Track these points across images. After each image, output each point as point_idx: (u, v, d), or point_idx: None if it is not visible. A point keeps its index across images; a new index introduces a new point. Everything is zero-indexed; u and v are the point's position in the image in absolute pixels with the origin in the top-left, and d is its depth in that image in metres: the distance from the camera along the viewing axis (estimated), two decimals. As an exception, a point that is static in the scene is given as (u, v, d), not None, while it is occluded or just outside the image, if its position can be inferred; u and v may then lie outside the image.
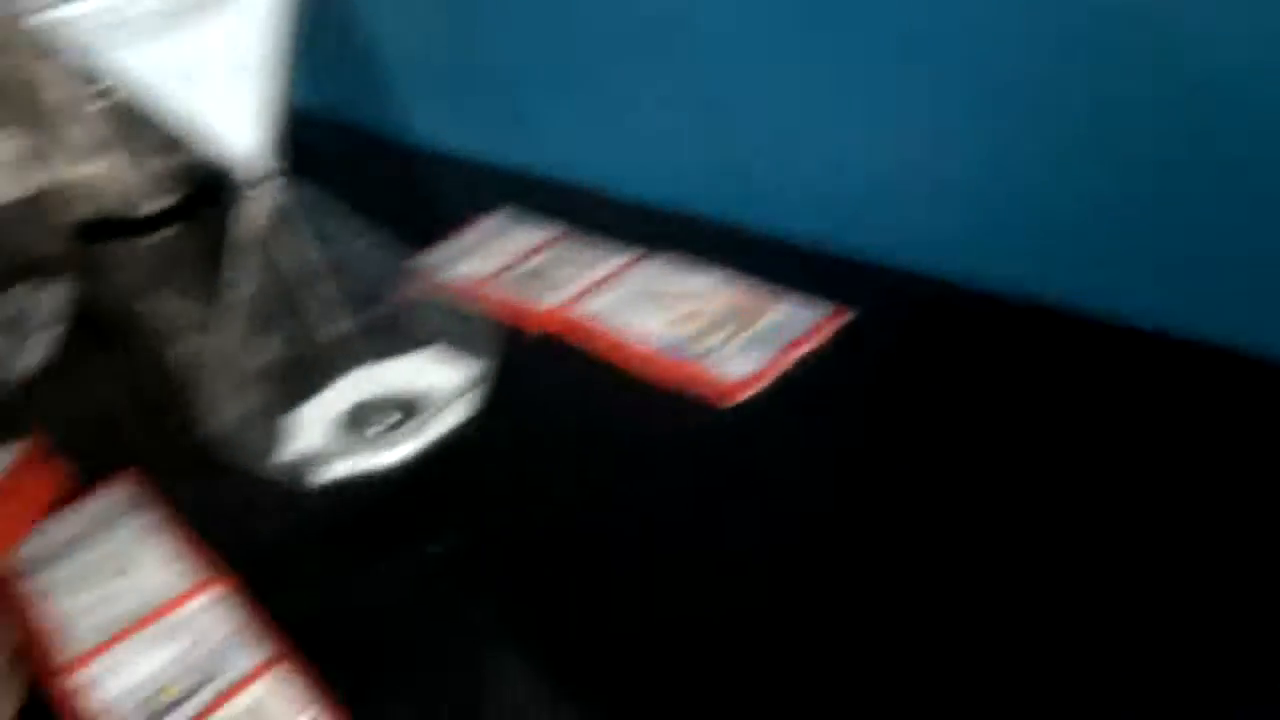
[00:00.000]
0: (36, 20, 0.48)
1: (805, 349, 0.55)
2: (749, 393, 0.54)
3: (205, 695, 0.45)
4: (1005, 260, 0.56)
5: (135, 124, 0.85)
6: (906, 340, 0.56)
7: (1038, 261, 0.55)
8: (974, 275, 0.57)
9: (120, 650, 0.49)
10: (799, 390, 0.54)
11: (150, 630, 0.49)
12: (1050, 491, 0.46)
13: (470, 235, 0.72)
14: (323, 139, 0.91)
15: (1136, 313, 0.52)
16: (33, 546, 0.56)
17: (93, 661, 0.49)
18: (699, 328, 0.58)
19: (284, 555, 0.54)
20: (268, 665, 0.46)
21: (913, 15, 0.55)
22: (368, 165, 0.89)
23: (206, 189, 0.88)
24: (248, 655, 0.47)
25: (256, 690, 0.45)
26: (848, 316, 0.57)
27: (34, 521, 0.58)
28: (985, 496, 0.46)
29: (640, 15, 0.67)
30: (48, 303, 0.74)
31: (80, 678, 0.48)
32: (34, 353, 0.72)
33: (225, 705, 0.45)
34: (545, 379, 0.60)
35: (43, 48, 0.78)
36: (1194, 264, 0.50)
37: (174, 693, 0.46)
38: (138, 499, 0.58)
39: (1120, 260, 0.53)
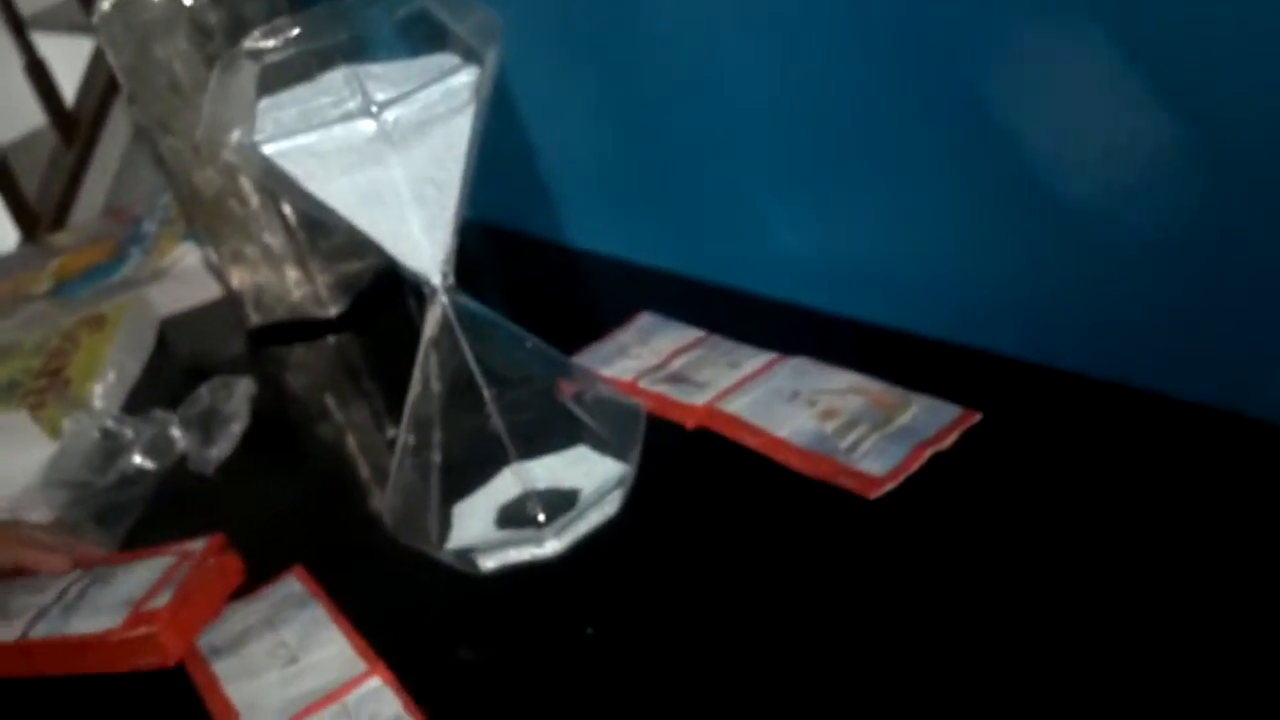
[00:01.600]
0: (235, 150, 0.54)
1: (938, 447, 0.58)
2: (888, 487, 0.57)
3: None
4: (1131, 353, 0.58)
5: (321, 233, 0.92)
6: (1035, 438, 0.58)
7: (1161, 353, 0.57)
8: (1099, 367, 0.59)
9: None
10: (932, 487, 0.57)
11: (326, 713, 0.53)
12: (1182, 587, 0.48)
13: (622, 336, 0.76)
14: (486, 244, 0.97)
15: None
16: (209, 636, 0.61)
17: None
18: (839, 424, 0.62)
19: (445, 640, 0.58)
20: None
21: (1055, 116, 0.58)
22: (527, 268, 0.95)
23: (381, 295, 0.95)
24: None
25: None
26: (977, 418, 0.60)
27: (216, 611, 0.63)
28: (1121, 591, 0.48)
29: (778, 137, 0.72)
30: (235, 399, 0.81)
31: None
32: (223, 447, 0.78)
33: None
34: (696, 473, 0.64)
35: (246, 171, 0.86)
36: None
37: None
38: (304, 595, 0.63)
39: (1249, 357, 0.55)
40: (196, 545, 0.66)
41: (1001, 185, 0.61)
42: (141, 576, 0.64)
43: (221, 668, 0.59)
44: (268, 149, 0.53)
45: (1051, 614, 0.48)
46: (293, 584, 0.64)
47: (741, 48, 0.71)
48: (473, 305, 0.60)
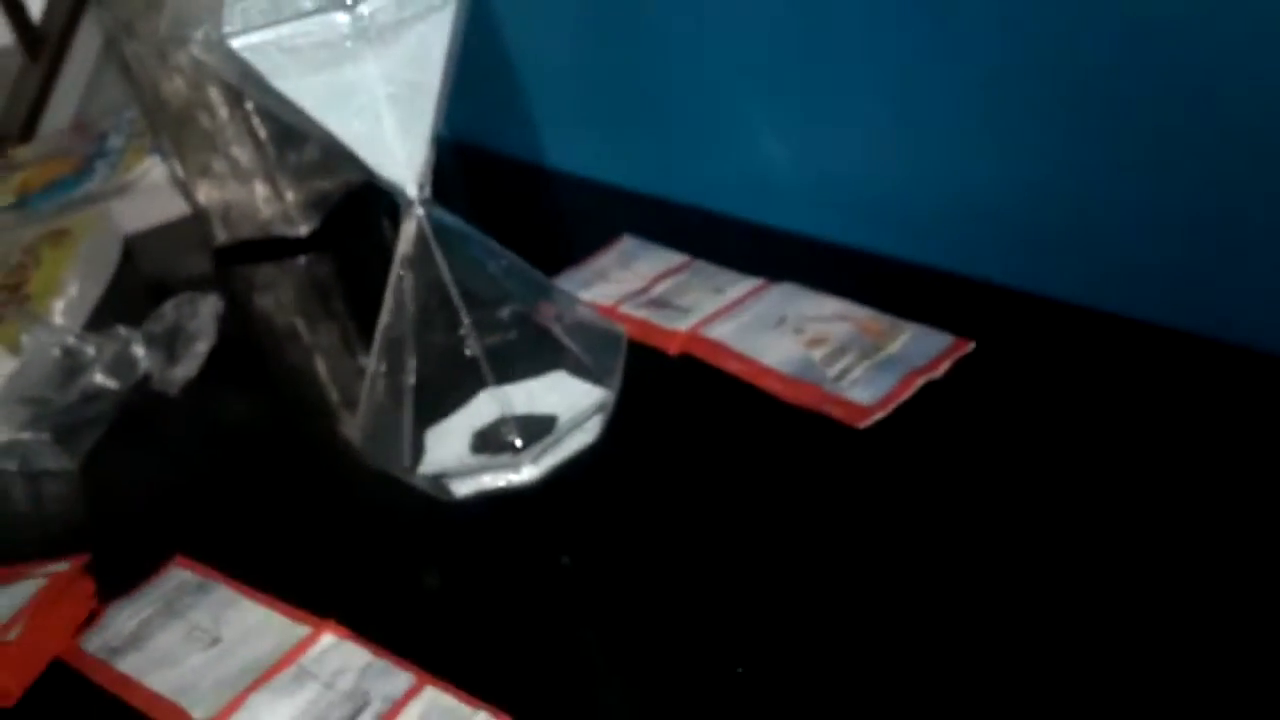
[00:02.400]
0: (202, 46, 0.51)
1: (929, 376, 0.56)
2: (877, 416, 0.55)
3: (368, 718, 0.47)
4: (1131, 284, 0.56)
5: (291, 147, 0.88)
6: (1028, 368, 0.56)
7: (1165, 286, 0.55)
8: (1094, 297, 0.57)
9: (255, 702, 0.49)
10: (923, 416, 0.55)
11: (277, 681, 0.50)
12: (1172, 516, 0.46)
13: (603, 259, 0.74)
14: (461, 163, 0.94)
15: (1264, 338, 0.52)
16: (97, 640, 0.55)
17: (232, 716, 0.49)
18: (826, 352, 0.60)
19: (416, 571, 0.56)
20: (419, 684, 0.48)
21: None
22: (504, 189, 0.92)
23: (354, 214, 0.92)
24: (393, 679, 0.48)
25: (417, 707, 0.47)
26: (970, 346, 0.58)
27: (62, 645, 0.56)
28: (1112, 521, 0.47)
29: (770, 47, 0.69)
30: (200, 317, 0.78)
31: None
32: (188, 366, 0.76)
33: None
34: (678, 400, 0.61)
35: (206, 72, 0.82)
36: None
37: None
38: (199, 581, 0.58)
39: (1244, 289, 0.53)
40: (54, 569, 0.60)
41: (1005, 105, 0.59)
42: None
43: (130, 664, 0.54)
44: (236, 43, 0.50)
45: (1042, 546, 0.47)
46: (181, 574, 0.59)
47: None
48: (450, 219, 0.58)
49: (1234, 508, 0.46)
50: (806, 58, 0.67)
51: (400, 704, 0.47)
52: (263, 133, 0.88)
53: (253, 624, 0.54)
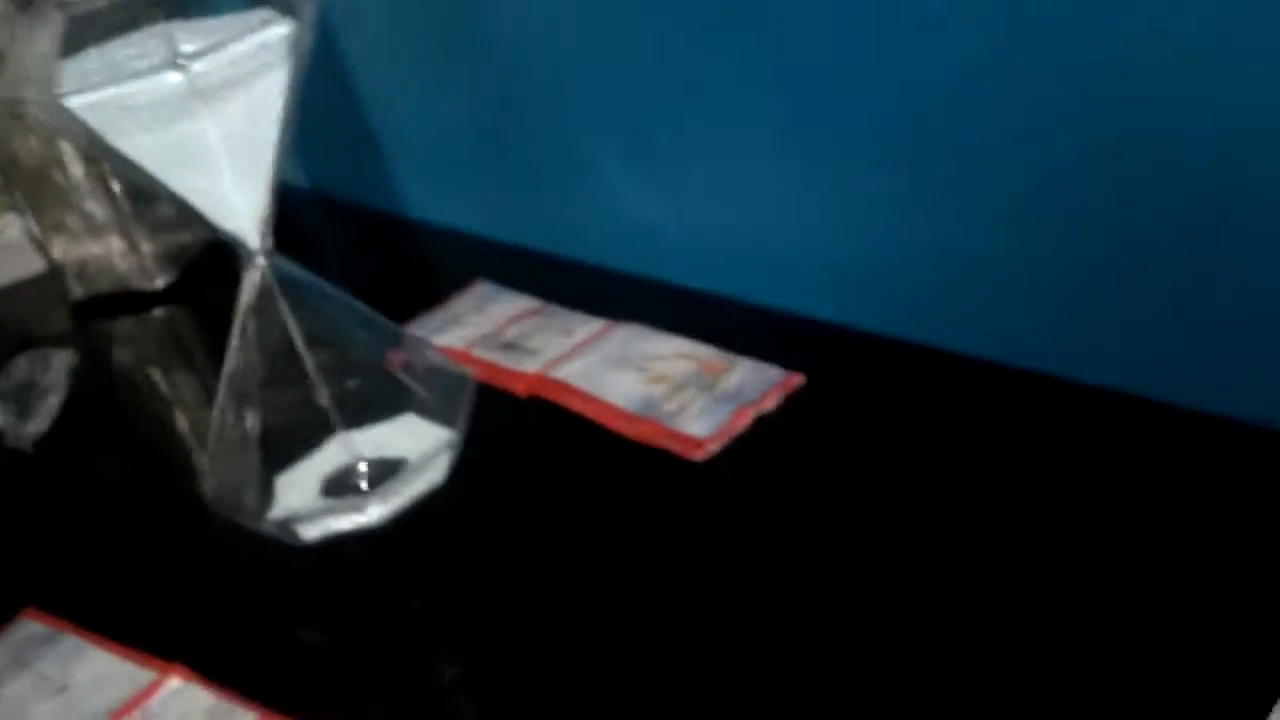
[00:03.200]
0: (48, 103, 0.52)
1: (761, 409, 0.59)
2: (712, 449, 0.58)
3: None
4: (950, 318, 0.60)
5: (146, 201, 0.89)
6: (855, 400, 0.60)
7: (982, 318, 0.59)
8: (923, 334, 0.61)
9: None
10: (756, 447, 0.58)
11: None
12: (992, 545, 0.49)
13: (457, 304, 0.76)
14: (313, 213, 0.96)
15: (1064, 366, 0.56)
16: None
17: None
18: (667, 389, 0.62)
19: (267, 615, 0.57)
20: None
21: (843, 92, 0.59)
22: (365, 238, 0.93)
23: (212, 267, 0.92)
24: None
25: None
26: (799, 380, 0.61)
27: None
28: (937, 549, 0.50)
29: (621, 94, 0.72)
30: (53, 370, 0.78)
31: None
32: (40, 421, 0.75)
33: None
34: (526, 440, 0.63)
35: (54, 130, 0.82)
36: (1108, 319, 0.54)
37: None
38: (48, 633, 0.57)
39: (1052, 317, 0.57)
40: None
41: (824, 151, 0.62)
42: None
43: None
44: (72, 102, 0.51)
45: (869, 572, 0.50)
46: (31, 626, 0.58)
47: (580, 7, 0.71)
48: (295, 270, 0.59)
49: (1057, 537, 0.49)
50: (656, 105, 0.70)
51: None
52: (117, 187, 0.88)
53: (100, 671, 0.54)
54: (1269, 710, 0.38)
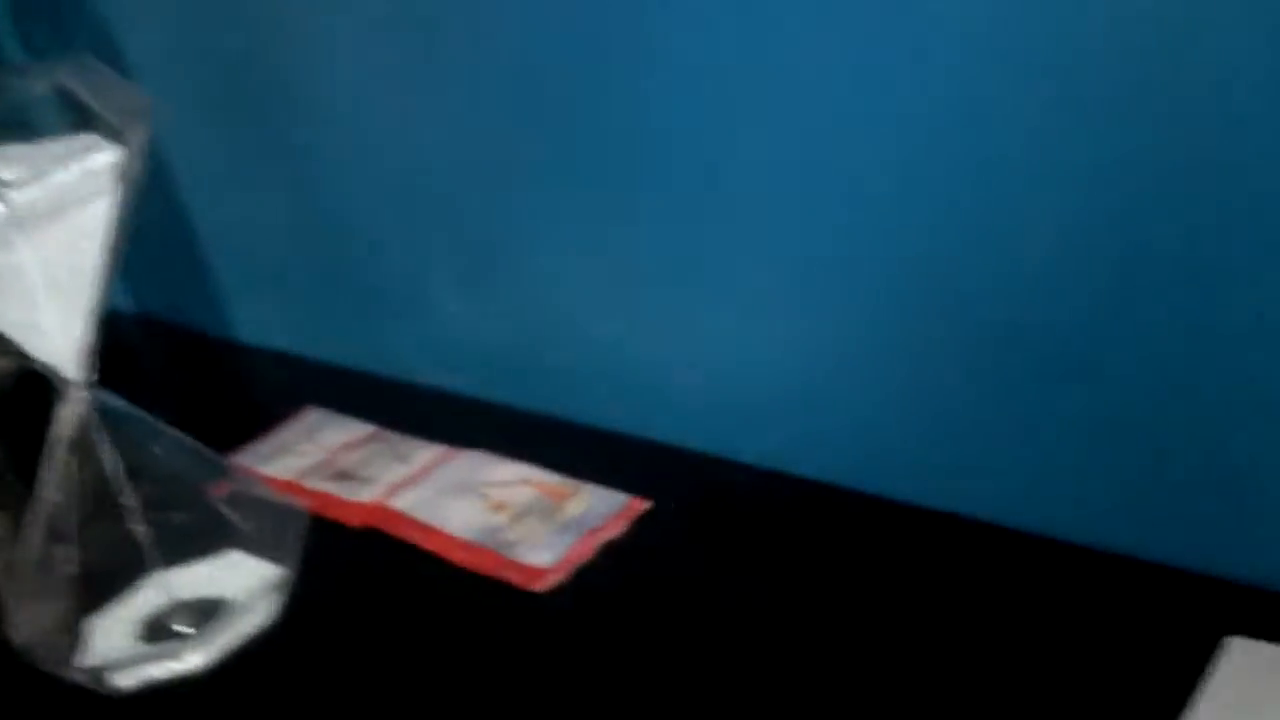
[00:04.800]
0: None
1: (606, 536, 0.58)
2: (555, 579, 0.56)
3: None
4: (803, 442, 0.60)
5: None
6: (701, 525, 0.59)
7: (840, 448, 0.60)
8: (774, 460, 0.61)
9: None
10: (602, 576, 0.57)
11: None
12: (840, 676, 0.49)
13: (286, 433, 0.73)
14: (138, 337, 0.92)
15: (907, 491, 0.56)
16: None
17: None
18: (508, 517, 0.61)
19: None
20: None
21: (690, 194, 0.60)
22: (192, 363, 0.90)
23: (26, 397, 0.87)
24: None
25: None
26: (646, 505, 0.60)
27: None
28: (787, 674, 0.49)
29: (446, 212, 0.72)
30: None
31: None
32: None
33: None
34: (360, 574, 0.61)
35: None
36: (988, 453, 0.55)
37: None
38: None
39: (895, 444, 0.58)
40: None
41: (664, 273, 0.63)
42: None
43: None
44: None
45: (715, 696, 0.49)
46: None
47: (417, 137, 0.70)
48: (114, 402, 0.56)
49: (917, 665, 0.49)
50: (484, 221, 0.70)
51: None
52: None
53: None
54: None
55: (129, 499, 0.56)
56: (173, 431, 0.57)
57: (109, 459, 0.55)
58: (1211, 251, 0.45)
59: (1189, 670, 0.44)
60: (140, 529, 0.56)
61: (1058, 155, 0.47)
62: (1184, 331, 0.47)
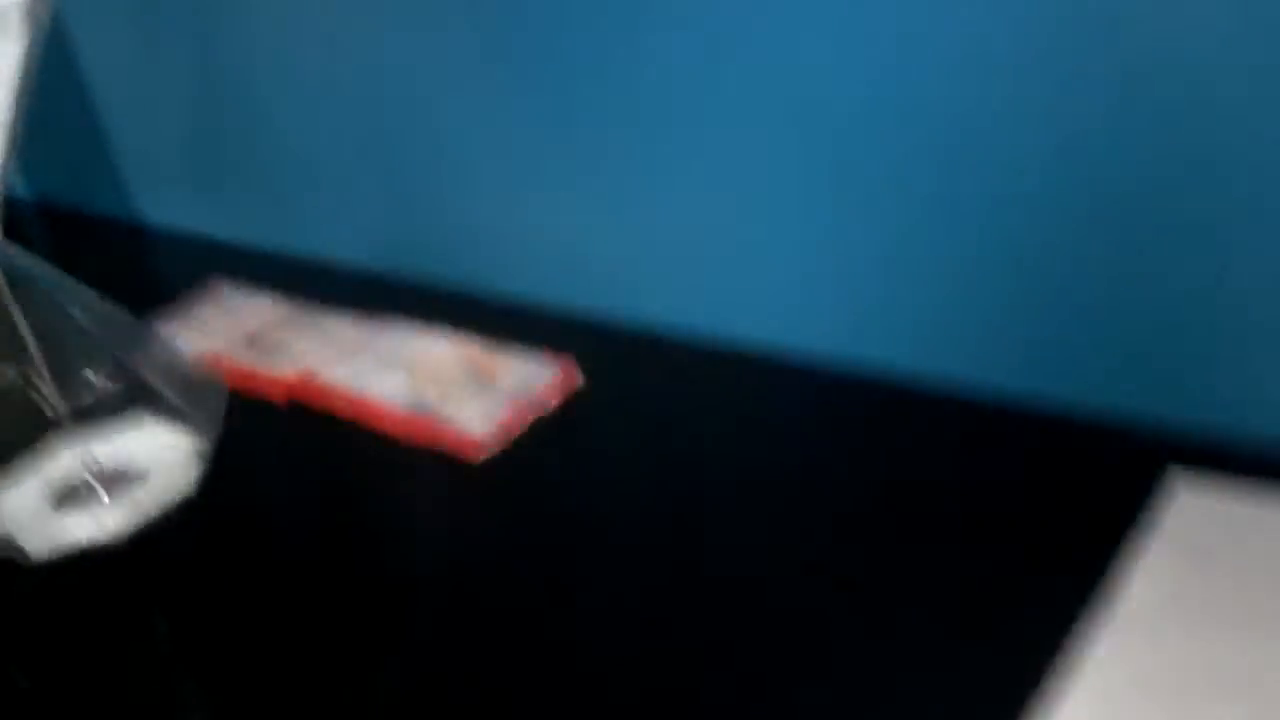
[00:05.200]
0: None
1: (540, 405, 0.57)
2: (491, 449, 0.55)
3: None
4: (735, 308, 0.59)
5: None
6: (632, 395, 0.58)
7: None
8: (708, 326, 0.60)
9: None
10: (537, 445, 0.55)
11: None
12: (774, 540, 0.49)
13: (202, 309, 0.70)
14: (52, 226, 0.88)
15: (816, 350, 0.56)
16: None
17: None
18: (438, 389, 0.59)
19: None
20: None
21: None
22: (99, 248, 0.86)
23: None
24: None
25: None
26: (579, 378, 0.59)
27: None
28: (719, 549, 0.49)
29: (350, 87, 0.69)
30: None
31: None
32: None
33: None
34: (285, 445, 0.59)
35: None
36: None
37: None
38: None
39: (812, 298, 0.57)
40: None
41: (599, 142, 0.61)
42: None
43: None
44: None
45: (650, 572, 0.48)
46: None
47: (328, 16, 0.67)
48: (27, 260, 0.53)
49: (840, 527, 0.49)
50: (395, 107, 0.67)
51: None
52: None
53: None
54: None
55: (40, 363, 0.53)
56: (92, 295, 0.55)
57: (18, 319, 0.53)
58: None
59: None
60: (53, 394, 0.53)
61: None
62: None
